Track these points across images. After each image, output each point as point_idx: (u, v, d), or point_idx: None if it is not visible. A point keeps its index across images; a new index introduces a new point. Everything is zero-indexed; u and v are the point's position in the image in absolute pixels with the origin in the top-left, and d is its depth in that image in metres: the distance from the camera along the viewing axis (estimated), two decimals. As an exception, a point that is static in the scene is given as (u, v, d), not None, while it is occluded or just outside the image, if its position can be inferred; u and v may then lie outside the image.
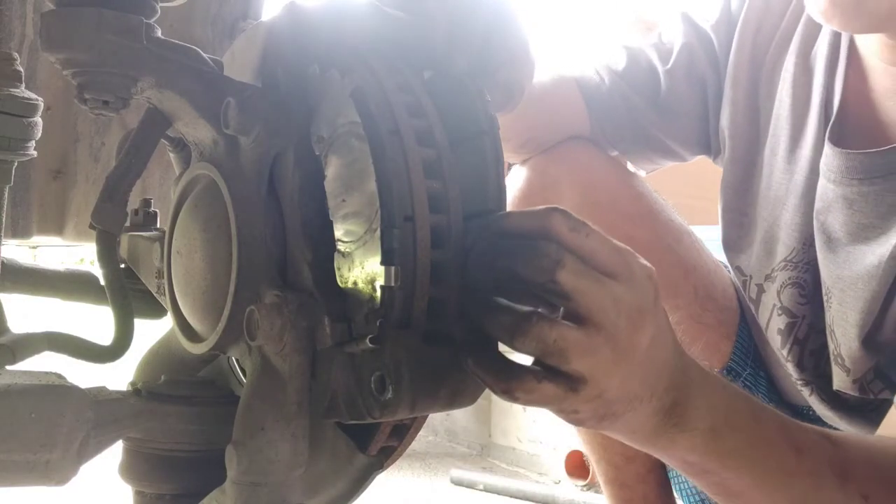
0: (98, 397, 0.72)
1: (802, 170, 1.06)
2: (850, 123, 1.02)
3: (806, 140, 1.07)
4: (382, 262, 0.59)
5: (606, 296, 0.59)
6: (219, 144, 0.75)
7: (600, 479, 1.43)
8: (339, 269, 0.66)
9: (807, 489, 0.75)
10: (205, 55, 0.78)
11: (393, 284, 0.59)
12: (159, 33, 0.75)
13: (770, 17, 1.15)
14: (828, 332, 1.07)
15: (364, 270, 0.63)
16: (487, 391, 0.62)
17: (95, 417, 0.70)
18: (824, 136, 1.03)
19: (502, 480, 2.45)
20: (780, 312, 1.13)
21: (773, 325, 1.14)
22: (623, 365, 0.61)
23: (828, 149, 1.01)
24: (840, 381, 1.05)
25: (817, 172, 1.05)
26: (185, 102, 0.74)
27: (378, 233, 0.60)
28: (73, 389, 0.71)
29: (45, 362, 0.78)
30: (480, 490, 2.41)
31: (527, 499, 2.34)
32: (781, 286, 1.12)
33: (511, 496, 2.36)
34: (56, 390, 0.70)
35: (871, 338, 1.00)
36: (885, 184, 0.96)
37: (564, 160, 1.21)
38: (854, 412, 1.07)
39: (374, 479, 0.74)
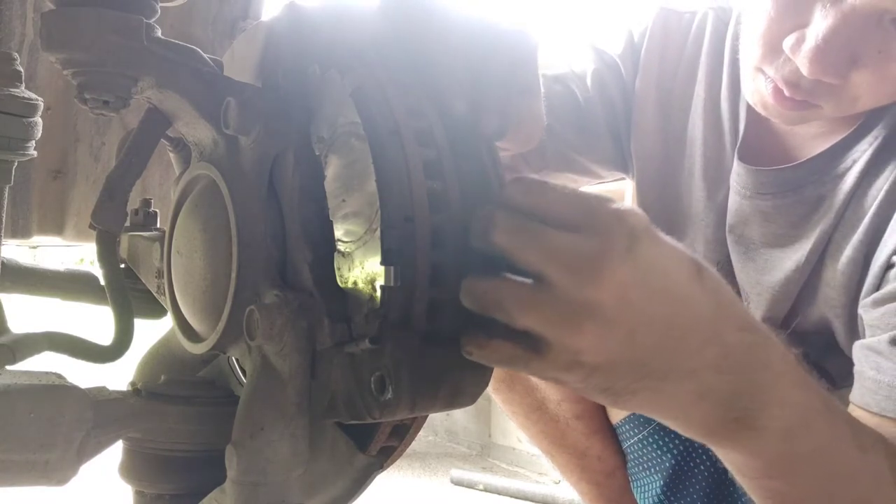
0: (98, 397, 0.72)
1: (723, 189, 1.12)
2: (757, 145, 1.09)
3: (721, 161, 1.13)
4: (382, 262, 0.59)
5: (547, 247, 0.55)
6: (219, 144, 0.75)
7: (584, 500, 1.43)
8: (339, 269, 0.66)
9: (868, 490, 0.70)
10: (205, 55, 0.78)
11: (393, 284, 0.59)
12: (159, 33, 0.75)
13: (671, 45, 1.20)
14: None
15: (364, 270, 0.63)
16: (487, 391, 0.62)
17: (95, 417, 0.70)
18: (733, 158, 1.11)
19: (502, 480, 2.45)
20: None
21: None
22: (586, 324, 0.55)
23: (740, 168, 1.08)
24: None
25: (726, 193, 1.12)
26: (185, 102, 0.74)
27: (378, 233, 0.60)
28: (73, 389, 0.71)
29: (45, 362, 0.78)
30: (480, 490, 2.41)
31: (527, 499, 2.34)
32: None
33: (511, 496, 2.36)
34: (56, 390, 0.70)
35: (790, 330, 1.06)
36: (795, 196, 1.03)
37: None
38: None
39: (374, 479, 0.74)
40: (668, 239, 0.59)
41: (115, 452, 0.78)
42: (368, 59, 0.66)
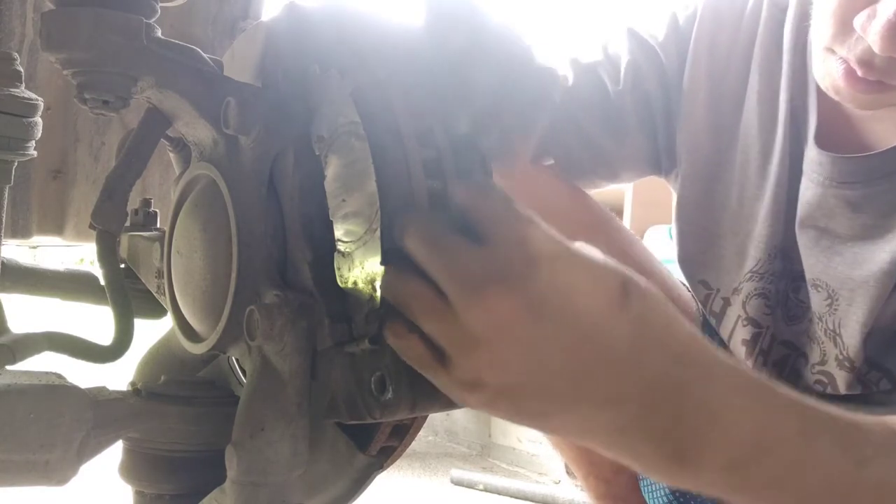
0: (98, 397, 0.72)
1: (771, 185, 1.09)
2: (830, 133, 1.05)
3: (774, 156, 1.09)
4: (382, 262, 0.59)
5: (445, 262, 0.55)
6: (219, 144, 0.75)
7: (591, 496, 1.41)
8: (339, 269, 0.66)
9: (871, 502, 0.64)
10: (205, 55, 0.78)
11: (393, 284, 0.59)
12: (159, 33, 0.75)
13: (722, 33, 1.16)
14: (826, 337, 1.08)
15: (364, 270, 0.63)
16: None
17: (95, 417, 0.70)
18: (789, 151, 1.06)
19: (502, 480, 2.44)
20: (745, 323, 1.13)
21: (737, 336, 1.15)
22: (475, 346, 0.54)
23: (822, 156, 1.03)
24: (847, 384, 1.05)
25: (783, 186, 1.08)
26: (185, 102, 0.74)
27: (378, 233, 0.60)
28: (73, 389, 0.71)
29: (46, 362, 0.78)
30: (480, 490, 2.41)
31: (527, 499, 2.33)
32: (748, 297, 1.13)
33: (511, 496, 2.36)
34: (56, 390, 0.70)
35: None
36: (886, 184, 0.99)
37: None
38: None
39: (374, 479, 0.74)
40: (591, 261, 0.57)
41: (115, 452, 0.78)
42: (368, 58, 0.66)
